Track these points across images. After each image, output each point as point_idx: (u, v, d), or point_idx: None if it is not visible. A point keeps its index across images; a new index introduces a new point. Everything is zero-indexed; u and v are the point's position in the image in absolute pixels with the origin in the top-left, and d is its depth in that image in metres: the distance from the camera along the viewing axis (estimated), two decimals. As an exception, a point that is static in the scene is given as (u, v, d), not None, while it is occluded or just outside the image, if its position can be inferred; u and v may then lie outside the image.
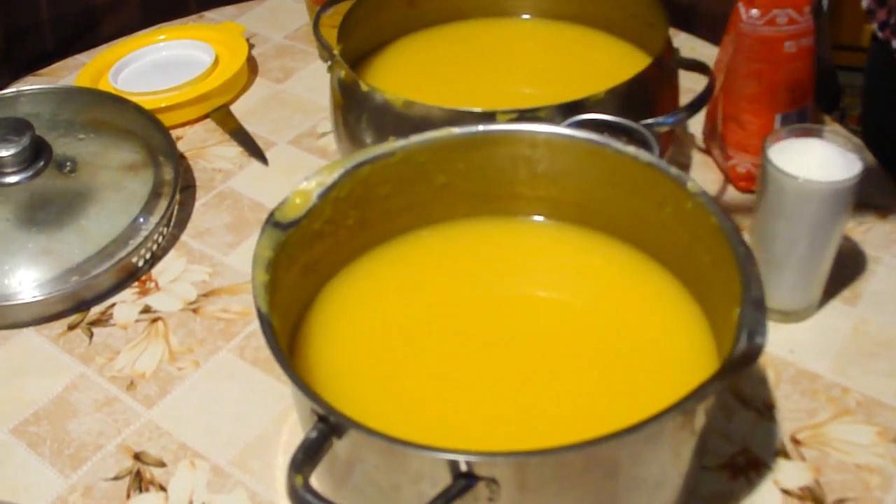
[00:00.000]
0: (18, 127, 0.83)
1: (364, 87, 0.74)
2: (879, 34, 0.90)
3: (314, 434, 0.48)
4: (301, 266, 0.62)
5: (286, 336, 0.61)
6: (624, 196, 0.64)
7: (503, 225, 0.70)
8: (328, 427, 0.48)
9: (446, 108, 0.69)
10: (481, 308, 0.66)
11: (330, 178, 0.62)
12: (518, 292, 0.67)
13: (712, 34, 1.38)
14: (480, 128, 0.64)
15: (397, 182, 0.65)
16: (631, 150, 0.62)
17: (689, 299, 0.63)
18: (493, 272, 0.68)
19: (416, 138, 0.64)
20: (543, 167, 0.66)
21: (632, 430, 0.45)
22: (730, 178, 0.84)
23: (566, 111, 0.69)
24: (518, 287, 0.67)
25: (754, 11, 0.76)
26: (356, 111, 0.76)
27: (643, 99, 0.74)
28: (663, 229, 0.63)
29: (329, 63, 0.80)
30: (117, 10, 1.59)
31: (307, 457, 0.47)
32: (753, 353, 0.49)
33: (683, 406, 0.46)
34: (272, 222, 0.59)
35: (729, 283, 0.54)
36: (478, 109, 0.69)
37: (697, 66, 0.77)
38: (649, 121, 0.70)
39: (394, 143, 0.63)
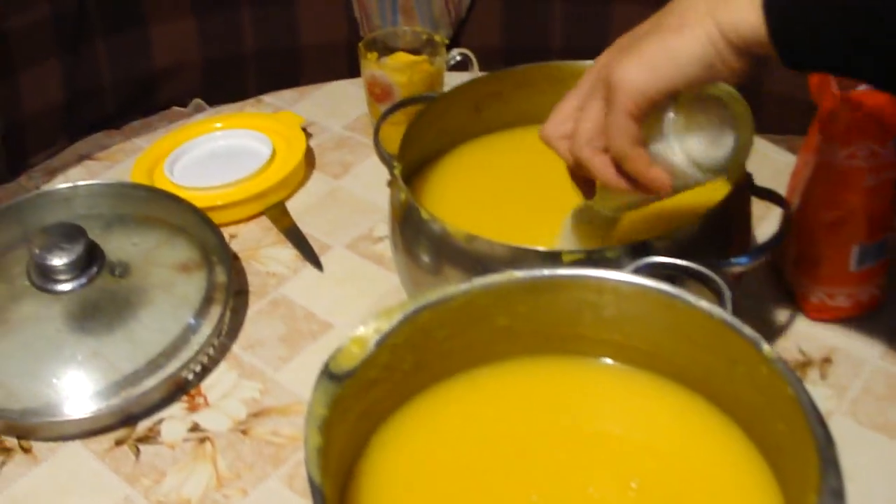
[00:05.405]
0: (72, 234, 0.81)
1: (424, 215, 0.71)
2: None
3: None
4: (355, 415, 0.59)
5: (336, 490, 0.58)
6: (694, 348, 0.61)
7: (566, 365, 0.66)
8: None
9: (509, 246, 0.67)
10: (540, 450, 0.62)
11: (388, 325, 0.59)
12: (581, 436, 0.64)
13: (778, 122, 1.34)
14: (545, 272, 0.61)
15: (456, 325, 0.62)
16: (703, 304, 0.59)
17: (759, 462, 0.60)
18: (555, 414, 0.65)
19: (478, 282, 0.61)
20: (610, 312, 0.63)
21: None
22: (800, 304, 0.81)
23: (635, 252, 0.66)
24: (581, 431, 0.64)
25: (833, 144, 0.72)
26: (414, 232, 0.74)
27: (716, 235, 0.70)
28: (735, 387, 0.60)
29: (388, 178, 0.78)
30: (177, 76, 1.60)
31: None
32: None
33: None
34: (327, 374, 0.57)
35: (804, 459, 0.51)
36: (541, 248, 0.66)
37: (773, 197, 0.74)
38: (723, 262, 0.67)
39: (454, 289, 0.61)
